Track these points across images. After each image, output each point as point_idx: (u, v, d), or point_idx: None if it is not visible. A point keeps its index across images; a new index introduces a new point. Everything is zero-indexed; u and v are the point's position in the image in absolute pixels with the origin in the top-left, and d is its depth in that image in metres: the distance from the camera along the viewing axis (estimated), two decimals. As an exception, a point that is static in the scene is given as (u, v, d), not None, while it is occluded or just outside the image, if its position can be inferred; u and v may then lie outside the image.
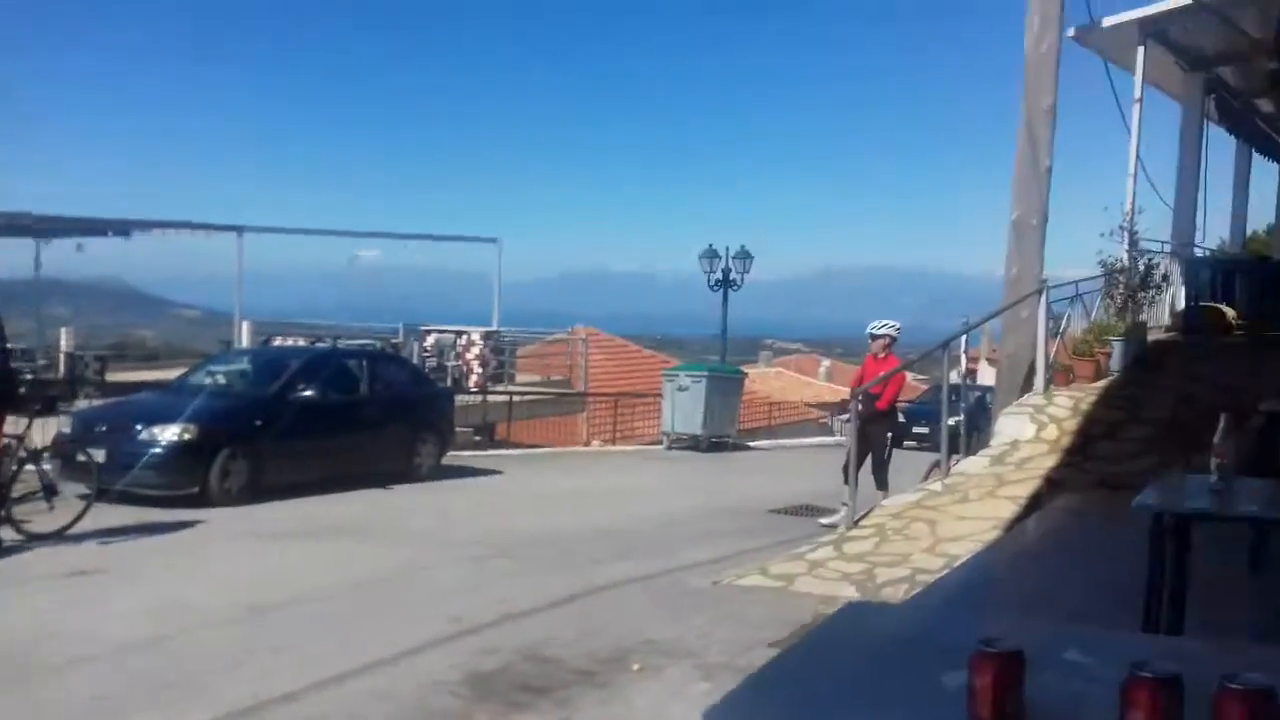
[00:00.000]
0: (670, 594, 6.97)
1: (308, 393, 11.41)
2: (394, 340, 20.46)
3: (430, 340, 21.01)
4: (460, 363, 20.51)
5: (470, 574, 7.64)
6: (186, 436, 10.25)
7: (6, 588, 6.89)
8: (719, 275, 23.26)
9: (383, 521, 10.04)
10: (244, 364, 12.86)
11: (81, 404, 14.30)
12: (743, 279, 23.46)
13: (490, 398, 19.49)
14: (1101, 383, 10.89)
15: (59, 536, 8.28)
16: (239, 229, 23.85)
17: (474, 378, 20.30)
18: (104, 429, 10.54)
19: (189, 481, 10.23)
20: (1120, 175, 13.45)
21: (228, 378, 12.33)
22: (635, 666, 5.35)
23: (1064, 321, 11.73)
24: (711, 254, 23.36)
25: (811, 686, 1.58)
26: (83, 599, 6.67)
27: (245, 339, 23.18)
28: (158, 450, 10.12)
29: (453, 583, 7.32)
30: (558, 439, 20.84)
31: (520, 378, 22.84)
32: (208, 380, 12.16)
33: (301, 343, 17.60)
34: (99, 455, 9.57)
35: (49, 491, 8.48)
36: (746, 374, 21.66)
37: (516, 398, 19.98)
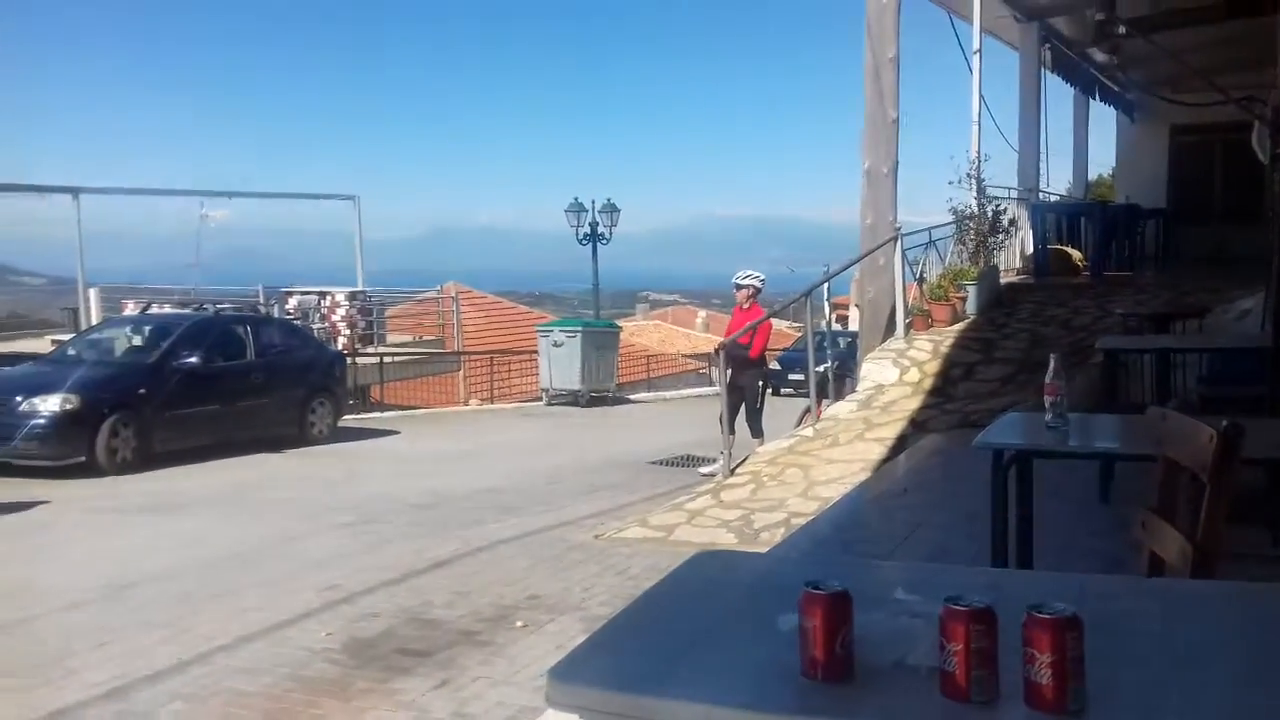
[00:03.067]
0: (553, 550, 7.02)
1: (191, 359, 11.39)
2: (255, 303, 19.83)
3: (293, 302, 20.41)
4: (326, 324, 20.03)
5: (343, 542, 7.54)
6: (69, 406, 10.19)
7: None
8: (586, 229, 23.20)
9: (259, 490, 9.86)
10: (124, 332, 12.62)
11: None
12: (611, 232, 23.45)
13: (360, 359, 19.13)
14: (958, 326, 11.34)
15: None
16: (75, 190, 22.62)
17: (342, 339, 19.86)
18: None
19: (74, 451, 10.18)
20: (967, 124, 13.90)
21: (107, 347, 12.16)
22: (518, 623, 5.39)
23: (920, 267, 12.15)
24: (578, 207, 23.24)
25: (649, 635, 1.62)
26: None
27: (93, 305, 22.14)
28: (40, 421, 10.04)
29: (324, 552, 7.21)
30: (434, 399, 20.60)
31: (391, 338, 22.44)
32: (87, 350, 12.04)
33: (162, 309, 16.90)
34: None
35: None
36: (621, 328, 21.77)
37: (389, 358, 19.65)
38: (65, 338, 18.70)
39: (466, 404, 20.44)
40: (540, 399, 18.73)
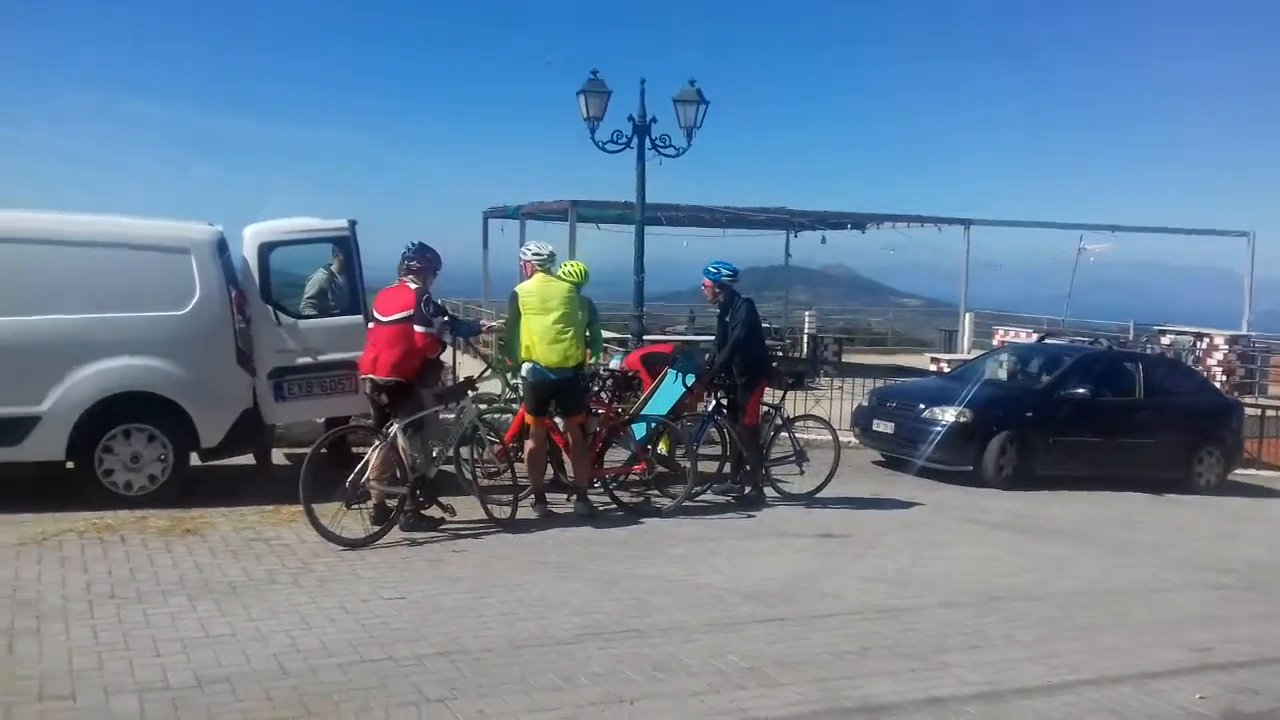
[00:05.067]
0: None
1: (1079, 391, 11.63)
2: (1124, 339, 19.29)
3: (1165, 340, 19.42)
4: (1200, 369, 18.61)
5: (1218, 603, 6.92)
6: (963, 419, 11.15)
7: (772, 538, 7.88)
8: None
9: (1128, 530, 9.64)
10: (1018, 359, 13.29)
11: (822, 381, 15.85)
12: None
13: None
14: None
15: (809, 499, 9.25)
16: (967, 222, 24.34)
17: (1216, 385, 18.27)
18: (893, 405, 12.02)
19: (963, 460, 11.21)
20: None
21: (1003, 370, 12.96)
22: None
23: None
24: None
25: None
26: (830, 559, 7.36)
27: (967, 329, 23.64)
28: (937, 429, 11.16)
29: (1196, 609, 6.71)
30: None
31: (1274, 389, 20.02)
32: (984, 371, 12.95)
33: (1060, 340, 17.21)
34: (887, 428, 11.57)
35: (800, 457, 9.46)
36: None
37: (1270, 411, 17.50)
38: (942, 356, 20.35)
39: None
40: None
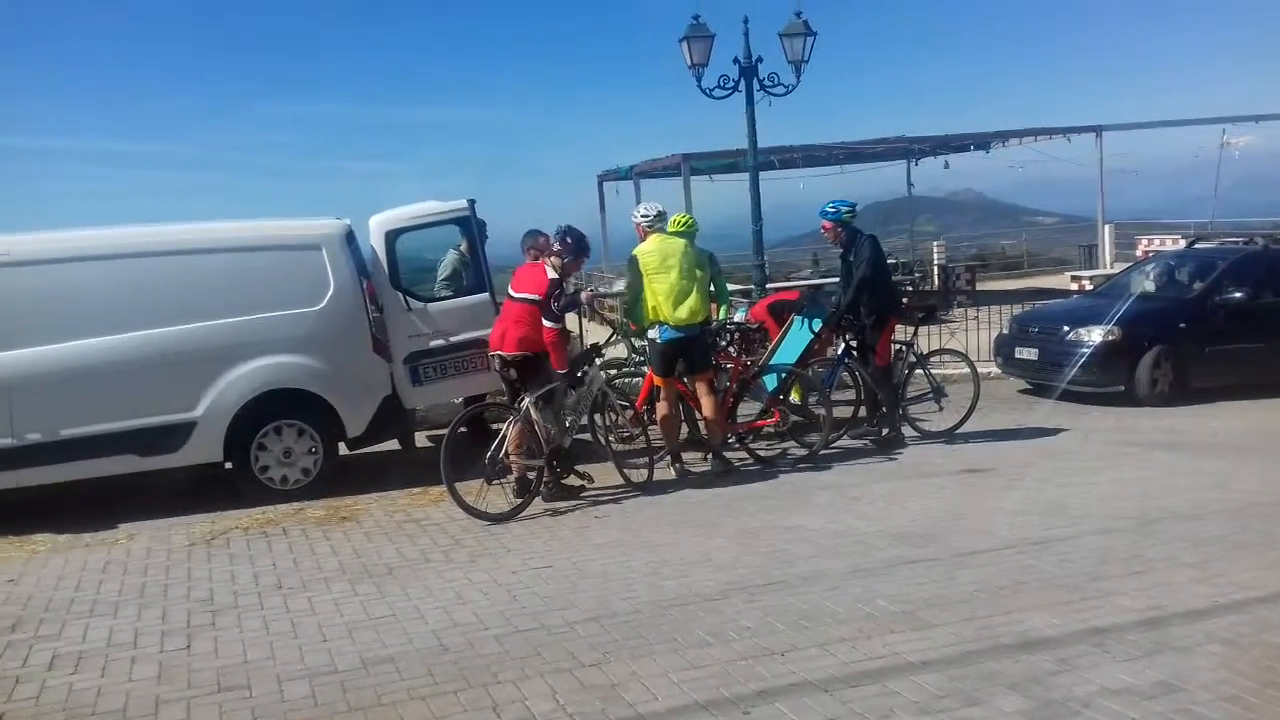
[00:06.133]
0: None
1: (1236, 295, 11.07)
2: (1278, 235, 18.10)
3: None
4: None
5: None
6: (1110, 338, 10.74)
7: (914, 479, 7.74)
8: None
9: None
10: (1167, 268, 12.61)
11: (956, 313, 15.42)
12: None
13: None
14: None
15: (950, 435, 9.04)
16: (1098, 129, 23.25)
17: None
18: (1035, 330, 11.62)
19: (1114, 380, 10.83)
20: None
21: (1151, 282, 12.32)
22: None
23: None
24: None
25: None
26: (975, 495, 7.18)
27: (1107, 242, 22.62)
28: (1084, 350, 10.77)
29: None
30: None
31: None
32: (1130, 285, 12.34)
33: (1215, 243, 16.26)
34: (1030, 354, 11.29)
35: (937, 393, 9.25)
36: None
37: None
38: (1083, 273, 19.54)
39: None
40: None
